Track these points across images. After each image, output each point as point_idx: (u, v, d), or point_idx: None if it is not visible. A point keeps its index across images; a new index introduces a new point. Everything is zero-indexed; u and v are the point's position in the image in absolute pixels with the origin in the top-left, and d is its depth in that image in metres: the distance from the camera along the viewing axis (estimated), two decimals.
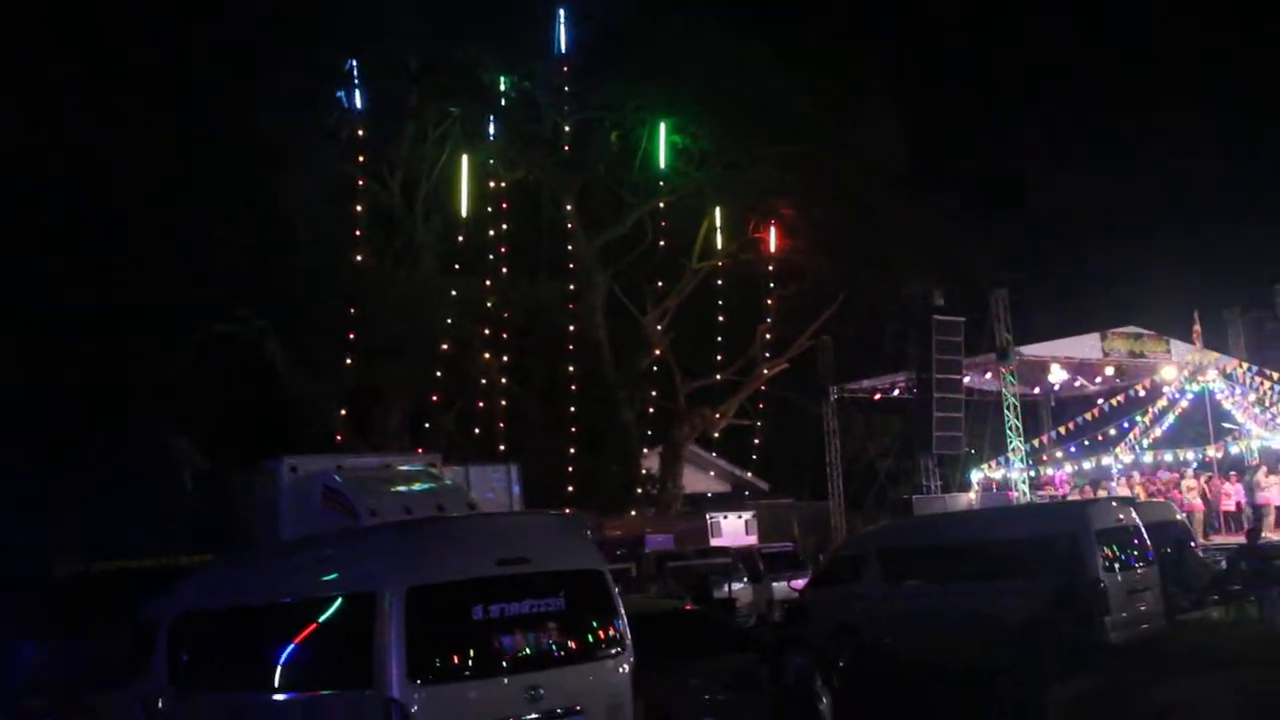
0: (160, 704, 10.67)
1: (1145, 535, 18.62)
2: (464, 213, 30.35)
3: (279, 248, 27.52)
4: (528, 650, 8.63)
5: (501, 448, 31.22)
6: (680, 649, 12.20)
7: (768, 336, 39.20)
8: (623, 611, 9.31)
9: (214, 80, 25.03)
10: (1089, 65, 43.99)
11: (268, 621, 9.61)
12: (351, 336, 27.89)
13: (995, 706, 13.43)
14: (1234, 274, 37.02)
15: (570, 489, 33.28)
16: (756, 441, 40.79)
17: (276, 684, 9.26)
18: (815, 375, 39.13)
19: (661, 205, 36.16)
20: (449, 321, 28.60)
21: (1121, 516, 18.66)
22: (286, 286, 27.43)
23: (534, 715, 8.50)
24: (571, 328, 33.78)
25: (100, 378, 25.62)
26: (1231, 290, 35.79)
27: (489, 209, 31.49)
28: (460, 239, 30.82)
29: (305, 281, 27.39)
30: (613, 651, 9.12)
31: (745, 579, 26.41)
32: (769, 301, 38.93)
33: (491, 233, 31.08)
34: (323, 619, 8.89)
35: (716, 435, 39.46)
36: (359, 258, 27.82)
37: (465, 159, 30.32)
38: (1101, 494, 30.11)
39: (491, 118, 32.16)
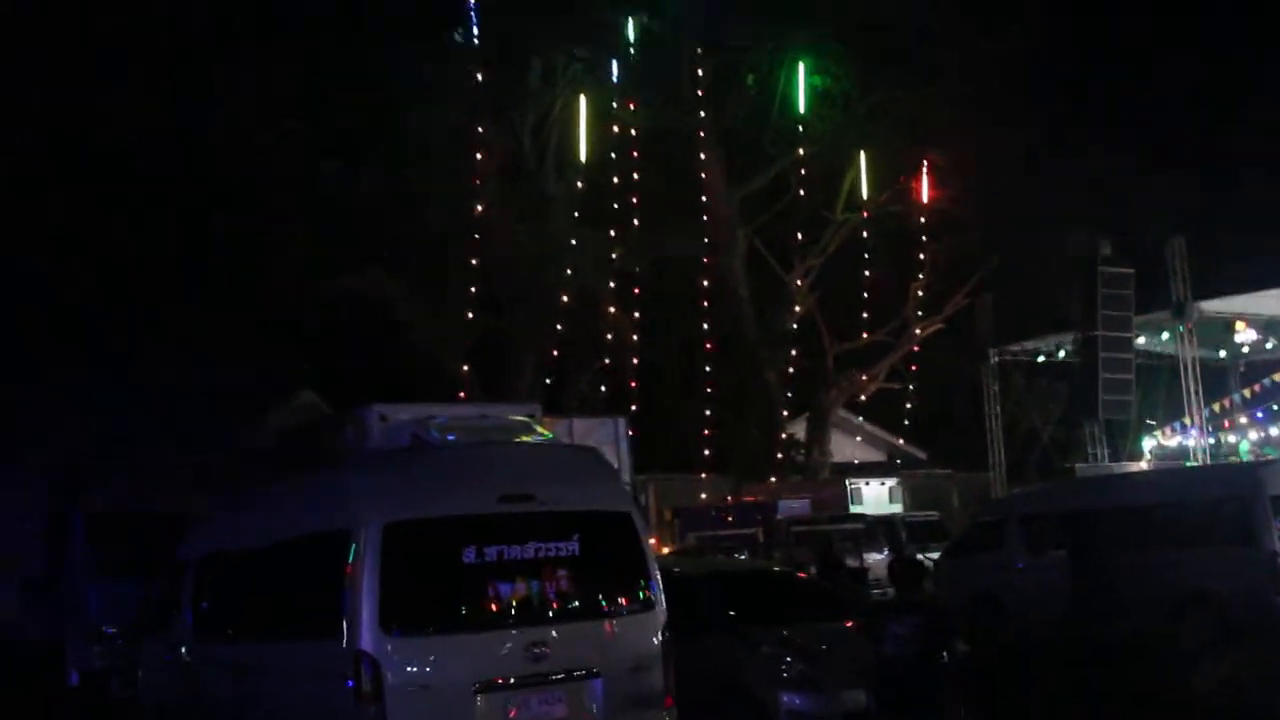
0: (184, 653, 9.90)
1: None
2: (583, 158, 29.15)
3: (403, 201, 26.94)
4: (531, 601, 7.38)
5: (634, 408, 30.06)
6: (770, 615, 10.84)
7: (920, 294, 36.90)
8: (654, 562, 7.96)
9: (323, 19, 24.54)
10: None
11: (258, 565, 8.67)
12: (474, 290, 27.14)
13: (1137, 685, 11.61)
14: None
15: (706, 452, 31.94)
16: (908, 406, 38.57)
17: (261, 634, 8.31)
18: (973, 336, 36.94)
19: (803, 153, 34.27)
20: (569, 272, 27.51)
21: None
22: (411, 240, 26.86)
23: (537, 675, 7.25)
24: (706, 283, 32.31)
25: (225, 332, 25.65)
26: None
27: (615, 156, 30.18)
28: (579, 185, 29.59)
29: (429, 234, 26.76)
30: (639, 608, 7.78)
31: (885, 549, 24.68)
32: (922, 257, 36.59)
33: (616, 180, 29.75)
34: (303, 561, 7.84)
35: (863, 398, 37.45)
36: (479, 208, 26.99)
37: (584, 101, 29.03)
38: None
39: (617, 60, 30.82)
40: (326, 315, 28.76)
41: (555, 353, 28.74)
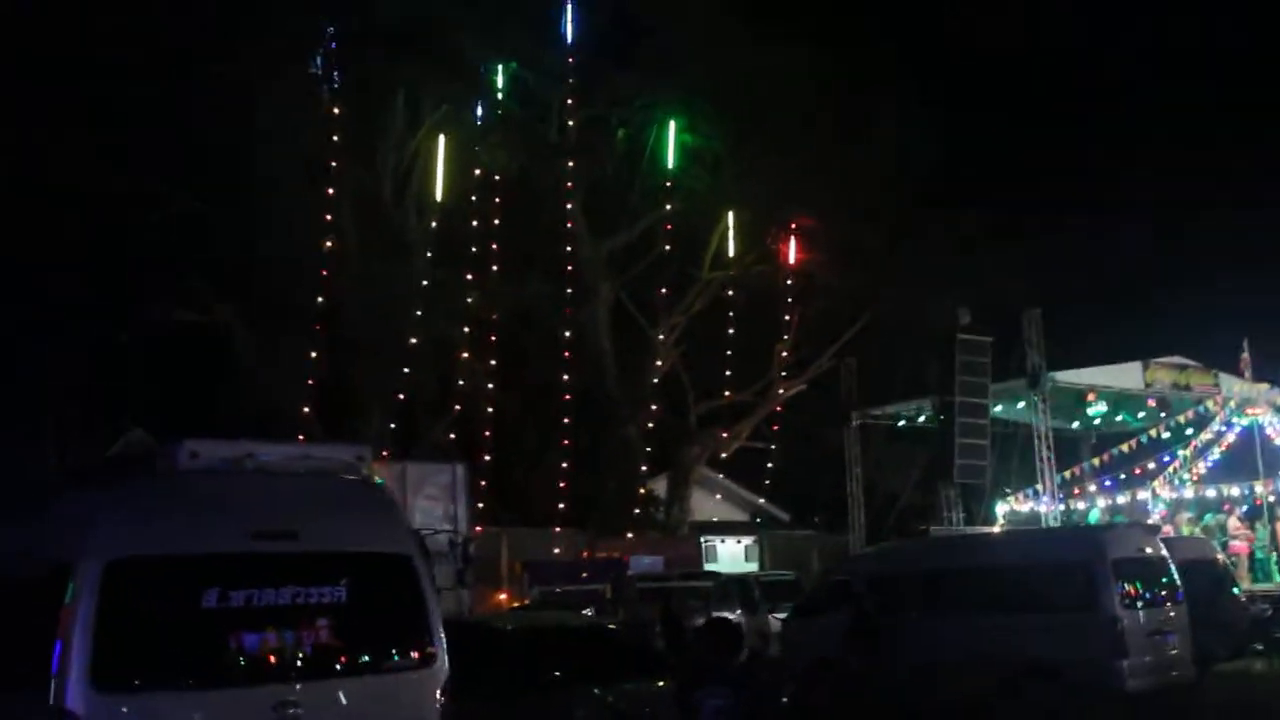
0: None
1: (1174, 570, 16.14)
2: (439, 198, 28.18)
3: (251, 233, 25.64)
4: (284, 655, 6.40)
5: (486, 458, 29.07)
6: (589, 674, 9.98)
7: (784, 355, 36.82)
8: (435, 612, 7.05)
9: (176, 48, 23.25)
10: (1132, 75, 41.29)
11: None
12: (318, 328, 25.88)
13: None
14: None
15: (561, 506, 31.03)
16: (770, 465, 38.32)
17: None
18: (836, 398, 36.93)
19: (670, 209, 33.97)
20: (418, 314, 26.45)
21: (1146, 547, 16.22)
22: (256, 274, 25.55)
23: None
24: (568, 334, 31.61)
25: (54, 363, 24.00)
26: None
27: (475, 199, 29.32)
28: (434, 226, 28.62)
29: (275, 270, 25.47)
30: (413, 664, 6.87)
31: (735, 608, 24.02)
32: (787, 318, 36.58)
33: (475, 223, 28.89)
34: (27, 599, 6.73)
35: (725, 456, 37.06)
36: (329, 244, 25.84)
37: (443, 142, 28.07)
38: None
39: (481, 106, 30.12)
40: (164, 350, 27.20)
41: (403, 398, 27.52)
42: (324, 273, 25.87)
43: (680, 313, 35.55)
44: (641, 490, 33.58)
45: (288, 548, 6.54)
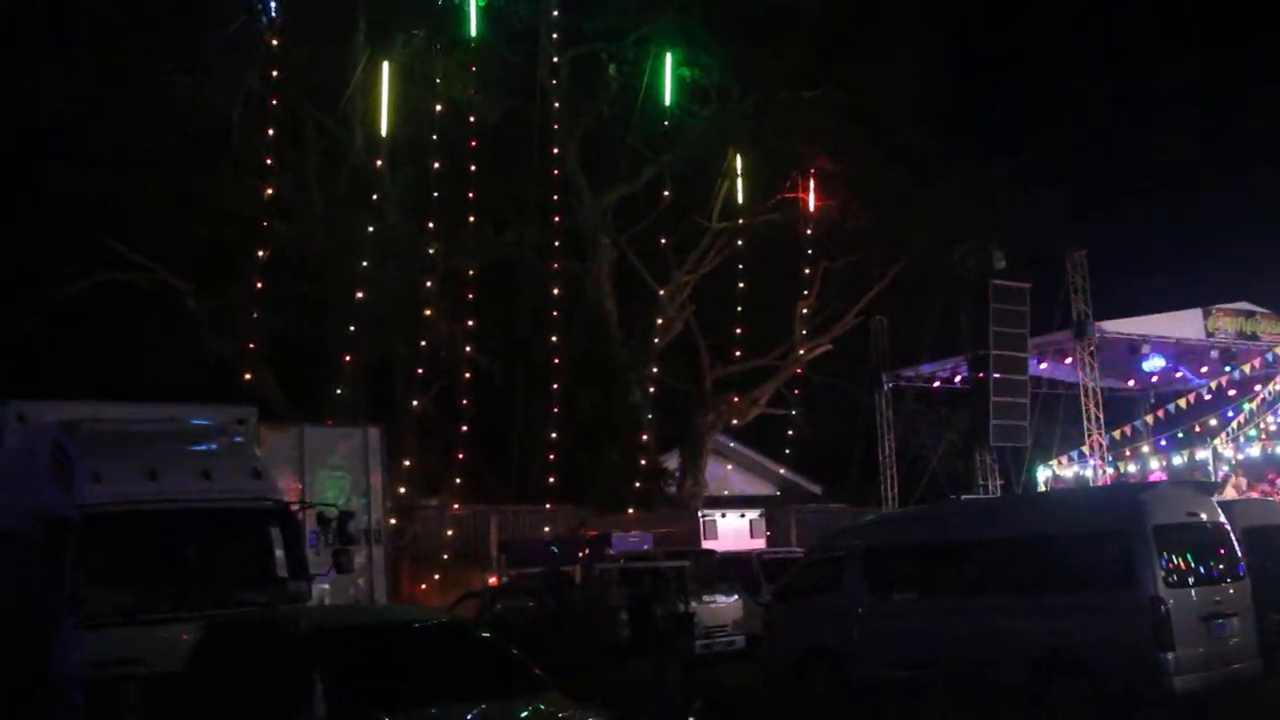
0: None
1: (1234, 539, 13.14)
2: (384, 134, 25.21)
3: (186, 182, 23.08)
4: None
5: (464, 429, 26.42)
6: (395, 693, 7.17)
7: (805, 313, 33.69)
8: None
9: None
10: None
11: None
12: (259, 286, 23.22)
13: None
14: None
15: (550, 480, 28.31)
16: (791, 433, 35.30)
17: None
18: (865, 358, 34.06)
19: (673, 154, 30.79)
20: (364, 264, 23.66)
21: (1198, 511, 13.20)
22: (190, 227, 23.03)
23: None
24: (556, 290, 28.70)
25: None
26: None
27: (447, 144, 26.29)
28: (378, 164, 25.65)
29: (210, 221, 22.91)
30: None
31: (731, 592, 21.16)
32: (808, 272, 33.40)
33: (438, 166, 25.84)
34: None
35: (735, 423, 34.08)
36: (269, 191, 23.15)
37: (386, 71, 24.92)
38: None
39: (454, 38, 27.15)
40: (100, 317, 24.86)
41: (349, 359, 24.53)
42: (265, 224, 23.22)
43: (690, 269, 32.47)
44: (643, 462, 30.66)
45: None
